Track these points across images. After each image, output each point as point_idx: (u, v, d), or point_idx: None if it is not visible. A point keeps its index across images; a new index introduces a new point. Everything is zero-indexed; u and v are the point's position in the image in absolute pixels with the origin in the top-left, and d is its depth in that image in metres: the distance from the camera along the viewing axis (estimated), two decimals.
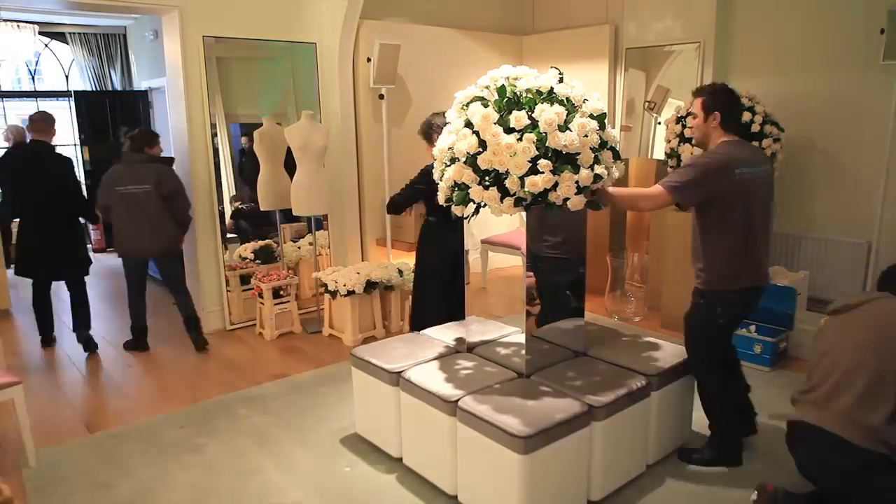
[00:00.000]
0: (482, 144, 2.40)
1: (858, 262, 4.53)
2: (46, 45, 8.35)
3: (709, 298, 2.73)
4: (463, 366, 2.79)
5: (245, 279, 4.89)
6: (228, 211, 5.04)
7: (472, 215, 2.61)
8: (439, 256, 3.72)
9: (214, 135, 4.64)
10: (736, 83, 4.93)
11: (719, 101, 2.71)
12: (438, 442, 2.59)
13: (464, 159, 2.46)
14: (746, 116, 4.14)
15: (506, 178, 2.38)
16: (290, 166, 4.84)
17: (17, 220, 4.42)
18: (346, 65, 5.18)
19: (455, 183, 2.52)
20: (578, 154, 2.38)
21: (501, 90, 2.49)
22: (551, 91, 2.48)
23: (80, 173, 8.05)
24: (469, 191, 2.46)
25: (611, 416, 2.49)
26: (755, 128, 4.14)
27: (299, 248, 5.28)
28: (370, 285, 4.42)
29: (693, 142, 3.69)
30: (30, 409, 3.02)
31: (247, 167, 5.20)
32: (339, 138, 5.22)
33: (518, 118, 2.36)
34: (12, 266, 5.47)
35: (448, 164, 2.55)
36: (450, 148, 2.53)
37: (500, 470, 2.31)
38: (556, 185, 2.36)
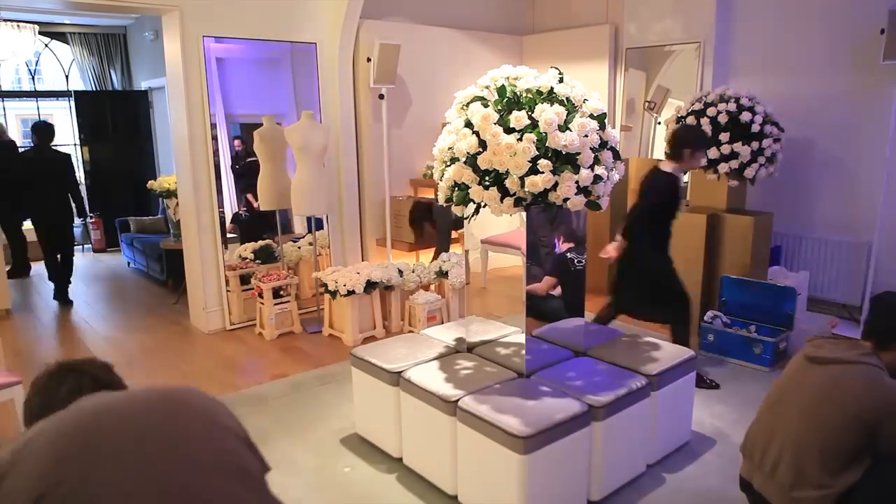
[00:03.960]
0: (482, 144, 2.41)
1: (858, 262, 4.53)
2: (46, 45, 8.36)
3: None
4: (463, 366, 2.79)
5: (245, 279, 4.88)
6: (229, 212, 5.03)
7: (473, 215, 2.61)
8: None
9: (214, 137, 4.64)
10: (736, 83, 4.96)
11: None
12: (438, 442, 2.59)
13: (464, 159, 2.46)
14: (746, 116, 4.14)
15: (506, 178, 2.39)
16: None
17: None
18: (346, 65, 5.18)
19: (455, 183, 2.52)
20: (578, 154, 2.38)
21: (501, 90, 2.49)
22: (551, 91, 2.48)
23: (80, 173, 8.07)
24: (469, 191, 2.46)
25: (611, 416, 2.49)
26: (755, 128, 4.14)
27: (299, 248, 5.28)
28: (370, 285, 4.42)
29: None
30: None
31: (241, 172, 5.18)
32: (339, 138, 5.22)
33: (518, 118, 2.36)
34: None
35: (448, 164, 2.55)
36: (450, 148, 2.53)
37: (500, 470, 2.31)
38: (556, 185, 2.36)
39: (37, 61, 8.50)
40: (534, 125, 2.36)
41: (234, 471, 1.13)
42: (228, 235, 4.92)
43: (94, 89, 8.35)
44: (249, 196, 5.16)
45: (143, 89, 8.37)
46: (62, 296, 5.68)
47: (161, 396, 1.20)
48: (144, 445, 1.09)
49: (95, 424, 1.11)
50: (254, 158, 4.90)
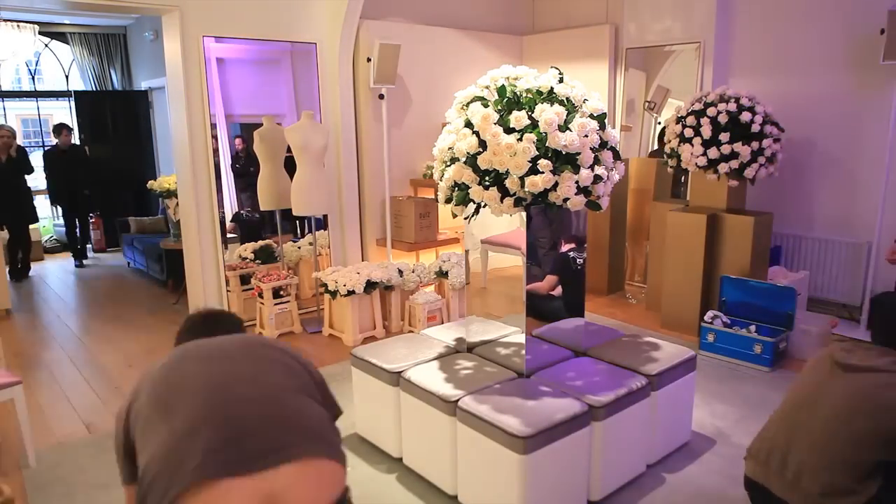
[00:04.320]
0: (482, 144, 2.41)
1: (858, 262, 4.53)
2: (46, 45, 8.36)
3: None
4: (463, 366, 2.80)
5: (245, 279, 4.88)
6: (229, 213, 5.03)
7: (473, 215, 2.61)
8: None
9: (214, 136, 4.64)
10: (736, 83, 4.96)
11: None
12: (438, 442, 2.59)
13: (464, 159, 2.46)
14: (746, 116, 4.14)
15: (506, 178, 2.39)
16: (289, 166, 4.85)
17: None
18: (346, 65, 5.18)
19: (455, 183, 2.52)
20: (578, 154, 2.39)
21: (501, 90, 2.49)
22: (551, 91, 2.48)
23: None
24: (469, 191, 2.46)
25: (611, 416, 2.49)
26: (755, 128, 4.15)
27: (299, 248, 5.28)
28: (370, 285, 4.41)
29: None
30: (30, 409, 3.02)
31: (241, 172, 5.19)
32: (339, 138, 5.22)
33: (518, 118, 2.36)
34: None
35: (448, 163, 2.55)
36: (450, 148, 2.53)
37: (500, 470, 2.31)
38: (556, 185, 2.37)
39: (37, 61, 8.50)
40: (534, 125, 2.37)
41: (298, 386, 1.47)
42: (228, 235, 4.92)
43: (94, 89, 8.35)
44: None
45: (143, 89, 8.36)
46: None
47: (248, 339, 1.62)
48: (220, 354, 1.47)
49: (190, 352, 1.49)
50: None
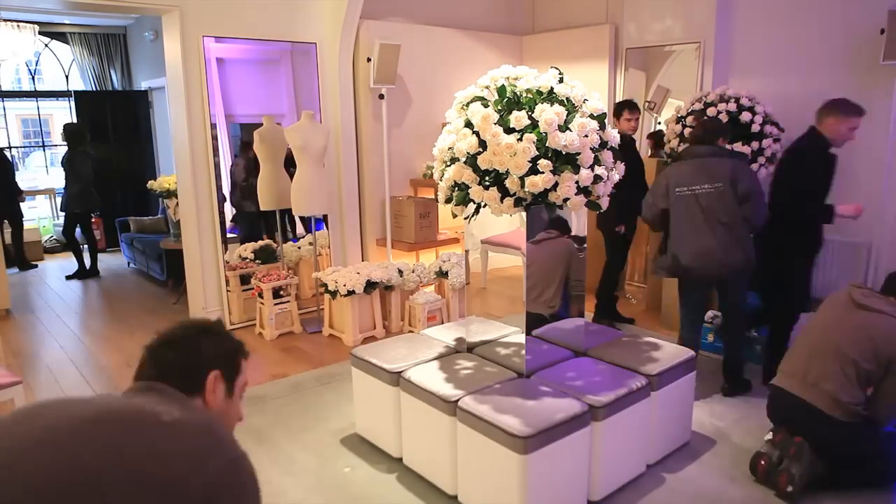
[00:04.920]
0: (482, 144, 2.41)
1: (858, 262, 4.53)
2: (46, 45, 8.36)
3: None
4: (463, 366, 2.80)
5: (245, 279, 4.88)
6: (229, 212, 5.03)
7: (473, 215, 2.61)
8: None
9: (214, 137, 4.64)
10: (736, 83, 4.95)
11: None
12: (438, 442, 2.59)
13: (464, 159, 2.46)
14: (746, 116, 4.14)
15: (506, 178, 2.39)
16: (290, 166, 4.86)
17: None
18: (346, 65, 5.18)
19: (455, 183, 2.52)
20: (578, 154, 2.39)
21: (501, 90, 2.49)
22: (551, 91, 2.48)
23: None
24: (469, 191, 2.47)
25: (611, 416, 2.49)
26: (755, 128, 4.15)
27: (299, 248, 5.28)
28: (370, 285, 4.42)
29: None
30: None
31: (239, 171, 5.19)
32: (339, 138, 5.22)
33: (518, 118, 2.36)
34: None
35: (448, 163, 2.55)
36: (450, 148, 2.54)
37: (500, 470, 2.31)
38: (556, 185, 2.37)
39: (37, 61, 8.50)
40: (534, 125, 2.37)
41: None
42: (228, 235, 4.92)
43: (94, 89, 8.35)
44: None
45: (143, 89, 8.37)
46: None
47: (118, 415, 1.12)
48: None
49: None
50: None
